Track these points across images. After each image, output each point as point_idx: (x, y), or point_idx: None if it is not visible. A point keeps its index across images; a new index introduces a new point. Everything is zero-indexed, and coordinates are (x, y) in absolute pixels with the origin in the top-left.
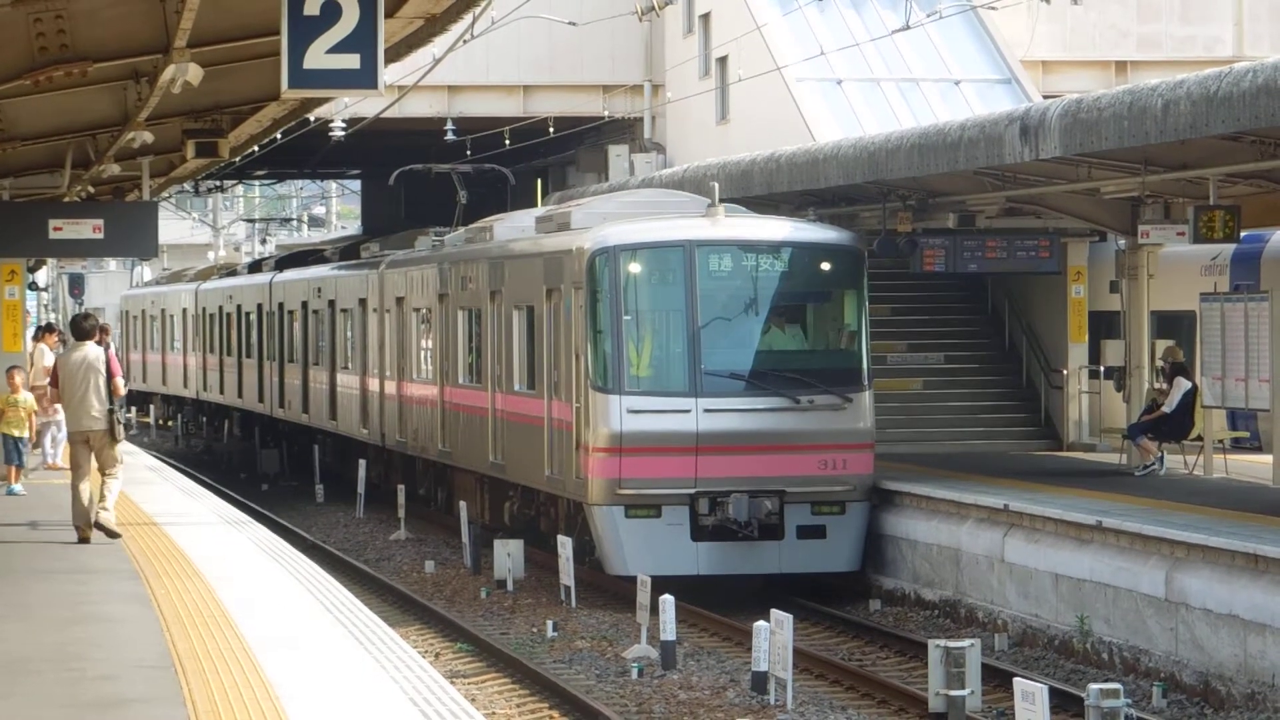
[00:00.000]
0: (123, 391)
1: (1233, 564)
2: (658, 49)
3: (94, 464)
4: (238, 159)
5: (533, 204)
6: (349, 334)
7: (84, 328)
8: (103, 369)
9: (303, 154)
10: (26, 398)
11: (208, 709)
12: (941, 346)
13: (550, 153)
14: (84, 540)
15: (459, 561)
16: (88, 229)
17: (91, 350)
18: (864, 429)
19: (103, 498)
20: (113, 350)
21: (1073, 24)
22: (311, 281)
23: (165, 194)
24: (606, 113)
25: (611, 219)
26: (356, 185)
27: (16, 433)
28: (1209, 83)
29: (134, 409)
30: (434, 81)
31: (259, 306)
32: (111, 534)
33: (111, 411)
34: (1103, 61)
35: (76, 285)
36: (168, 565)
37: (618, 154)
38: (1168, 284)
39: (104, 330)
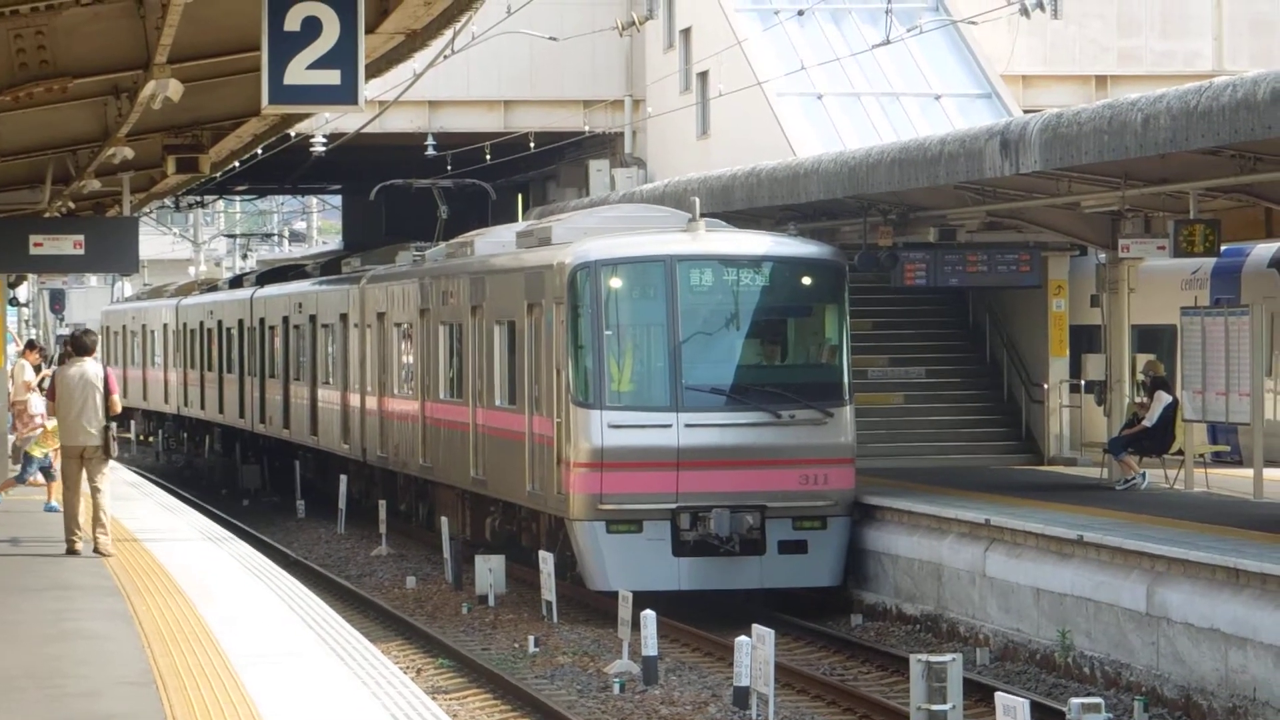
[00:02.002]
0: (119, 409)
1: (1214, 578)
2: (638, 64)
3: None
4: (218, 174)
5: (513, 219)
6: (330, 349)
7: (84, 343)
8: (101, 385)
9: (284, 169)
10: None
11: None
12: (922, 361)
13: (531, 168)
14: (73, 552)
15: (440, 577)
16: (68, 244)
17: (90, 366)
18: (845, 444)
19: (99, 522)
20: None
21: (1053, 39)
22: (293, 297)
23: (146, 209)
24: (587, 128)
25: (592, 234)
26: (337, 200)
27: (39, 453)
28: (1188, 97)
29: (114, 424)
30: (415, 97)
31: (240, 322)
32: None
33: (107, 428)
34: (1083, 76)
35: (57, 301)
36: (149, 581)
37: (598, 169)
38: (1148, 298)
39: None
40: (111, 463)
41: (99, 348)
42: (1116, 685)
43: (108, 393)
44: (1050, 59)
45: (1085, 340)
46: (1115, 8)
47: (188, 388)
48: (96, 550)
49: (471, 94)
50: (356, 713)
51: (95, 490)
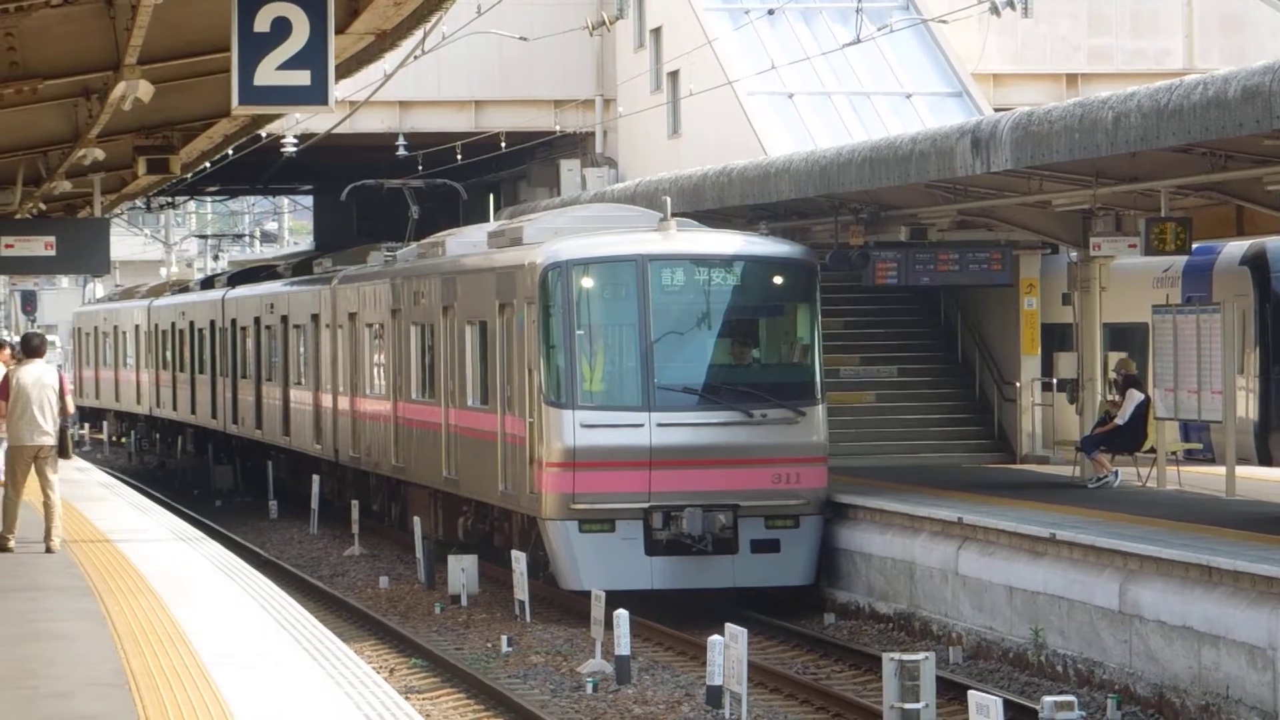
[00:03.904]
0: (72, 409)
1: (1186, 576)
2: (609, 63)
3: (34, 480)
4: (189, 175)
5: (485, 219)
6: (302, 350)
7: (36, 346)
8: (56, 385)
9: (255, 170)
10: None
11: None
12: (894, 360)
13: (502, 168)
14: (4, 549)
15: (413, 577)
16: (39, 246)
17: (45, 368)
18: (817, 443)
19: (51, 522)
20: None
21: (1024, 37)
22: (264, 297)
23: (117, 210)
24: (558, 127)
25: (563, 234)
26: (309, 201)
27: None
28: (1159, 95)
29: (87, 425)
30: (385, 97)
31: (212, 323)
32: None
33: (64, 429)
34: (1054, 74)
35: (29, 302)
36: (121, 582)
37: (569, 169)
38: (1120, 296)
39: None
40: (82, 463)
41: (72, 350)
42: (1089, 683)
43: (61, 393)
44: (1021, 57)
45: (1057, 338)
46: (1086, 6)
47: (160, 389)
48: (49, 550)
49: (442, 94)
50: (329, 713)
51: (49, 490)
